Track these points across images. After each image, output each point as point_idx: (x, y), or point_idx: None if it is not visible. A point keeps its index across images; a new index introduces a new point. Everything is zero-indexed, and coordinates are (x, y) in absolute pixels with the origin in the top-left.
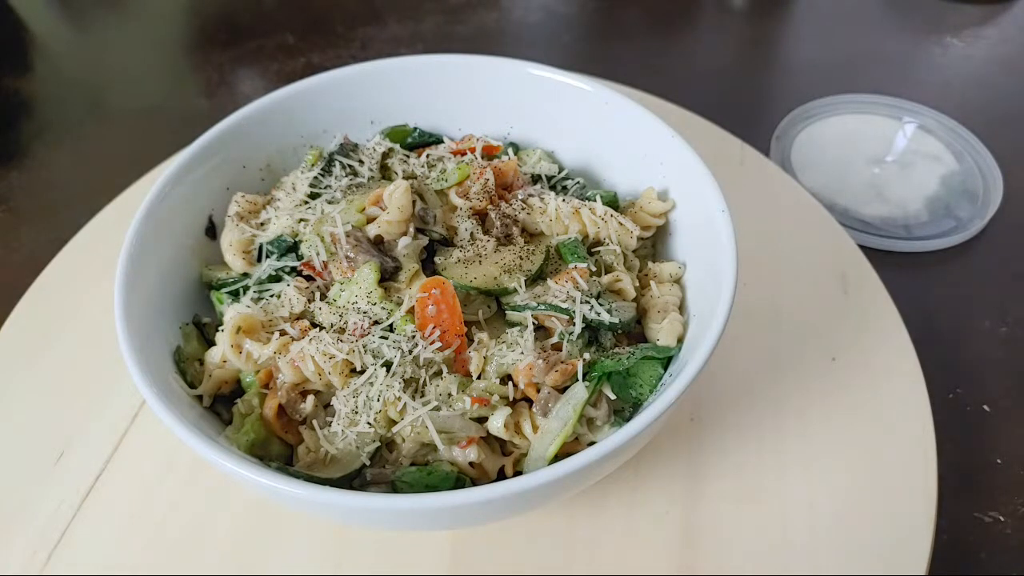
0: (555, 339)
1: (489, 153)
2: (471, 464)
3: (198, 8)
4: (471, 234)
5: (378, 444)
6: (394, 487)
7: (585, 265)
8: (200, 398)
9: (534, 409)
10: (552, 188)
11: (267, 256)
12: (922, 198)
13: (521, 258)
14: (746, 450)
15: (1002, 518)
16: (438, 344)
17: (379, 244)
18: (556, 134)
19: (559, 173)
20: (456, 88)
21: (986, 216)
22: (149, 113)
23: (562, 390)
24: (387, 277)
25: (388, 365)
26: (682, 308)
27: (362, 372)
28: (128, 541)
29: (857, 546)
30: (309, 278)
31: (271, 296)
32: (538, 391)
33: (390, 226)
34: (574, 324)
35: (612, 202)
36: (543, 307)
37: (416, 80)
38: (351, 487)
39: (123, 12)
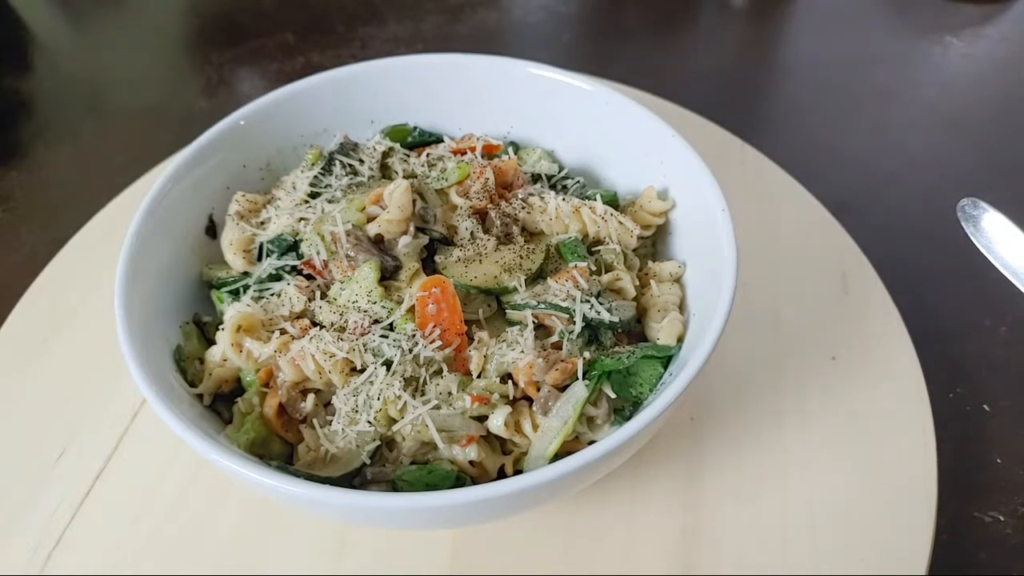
0: (555, 338)
1: (489, 152)
2: (471, 463)
3: (198, 8)
4: (471, 233)
5: (378, 443)
6: (394, 486)
7: (585, 264)
8: (200, 397)
9: (534, 408)
10: (552, 187)
11: (267, 255)
12: None
13: (521, 257)
14: (746, 449)
15: (1002, 518)
16: (438, 343)
17: (379, 243)
18: (556, 133)
19: (559, 172)
20: (456, 88)
21: None
22: (149, 113)
23: (562, 389)
24: (387, 276)
25: (388, 364)
26: (682, 307)
27: (362, 371)
28: (128, 541)
29: (857, 546)
30: (309, 277)
31: (271, 295)
32: (538, 390)
33: (390, 225)
34: (574, 323)
35: (612, 201)
36: (543, 306)
37: (416, 80)
38: (351, 486)
39: (123, 12)
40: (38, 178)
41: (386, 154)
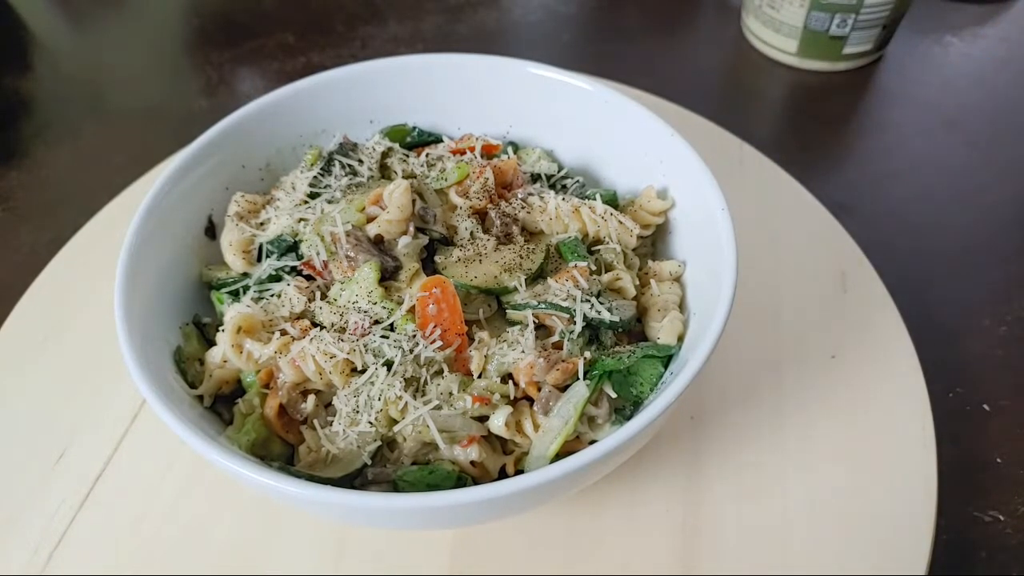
0: (556, 338)
1: (488, 152)
2: (472, 463)
3: (198, 8)
4: (471, 233)
5: (379, 443)
6: (395, 486)
7: (585, 264)
8: (201, 398)
9: (535, 408)
10: (552, 187)
11: (267, 256)
12: None
13: (521, 257)
14: (746, 449)
15: (1002, 518)
16: (439, 343)
17: (379, 243)
18: (555, 133)
19: (558, 172)
20: (456, 88)
21: None
22: (149, 113)
23: (563, 389)
24: (387, 276)
25: (389, 364)
26: (682, 306)
27: (363, 371)
28: (128, 541)
29: (857, 546)
30: (309, 278)
31: (271, 296)
32: (539, 390)
33: (390, 225)
34: (574, 323)
35: (612, 201)
36: (544, 306)
37: (416, 80)
38: (352, 486)
39: (123, 12)
40: (38, 178)
41: (385, 154)
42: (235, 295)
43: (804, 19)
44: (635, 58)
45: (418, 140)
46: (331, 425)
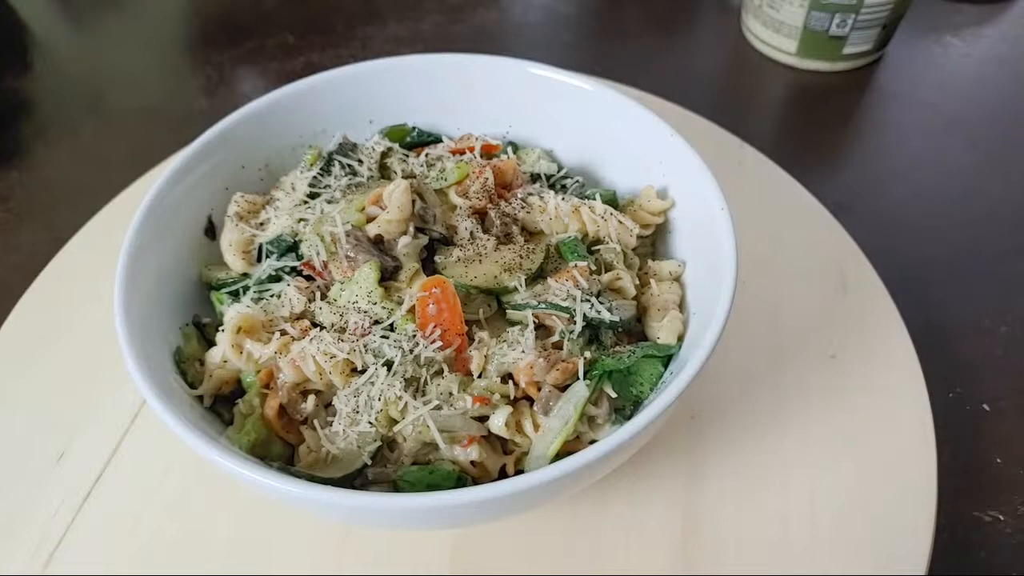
0: (556, 338)
1: (488, 152)
2: (472, 463)
3: (198, 8)
4: (471, 233)
5: (379, 443)
6: (395, 486)
7: (585, 263)
8: (201, 398)
9: (535, 408)
10: (551, 187)
11: (267, 256)
12: None
13: (521, 257)
14: (746, 449)
15: (1002, 518)
16: (439, 343)
17: (379, 243)
18: (555, 133)
19: (558, 172)
20: (455, 87)
21: None
22: (149, 113)
23: (563, 388)
24: (387, 276)
25: (389, 364)
26: (682, 306)
27: (363, 371)
28: (128, 541)
29: (857, 546)
30: (309, 278)
31: (271, 296)
32: (539, 390)
33: (390, 225)
34: (575, 322)
35: (611, 200)
36: (543, 306)
37: (416, 80)
38: (352, 487)
39: (123, 12)
40: (38, 178)
41: (385, 154)
42: (235, 295)
43: (804, 19)
44: (635, 58)
45: (418, 140)
46: (331, 425)
